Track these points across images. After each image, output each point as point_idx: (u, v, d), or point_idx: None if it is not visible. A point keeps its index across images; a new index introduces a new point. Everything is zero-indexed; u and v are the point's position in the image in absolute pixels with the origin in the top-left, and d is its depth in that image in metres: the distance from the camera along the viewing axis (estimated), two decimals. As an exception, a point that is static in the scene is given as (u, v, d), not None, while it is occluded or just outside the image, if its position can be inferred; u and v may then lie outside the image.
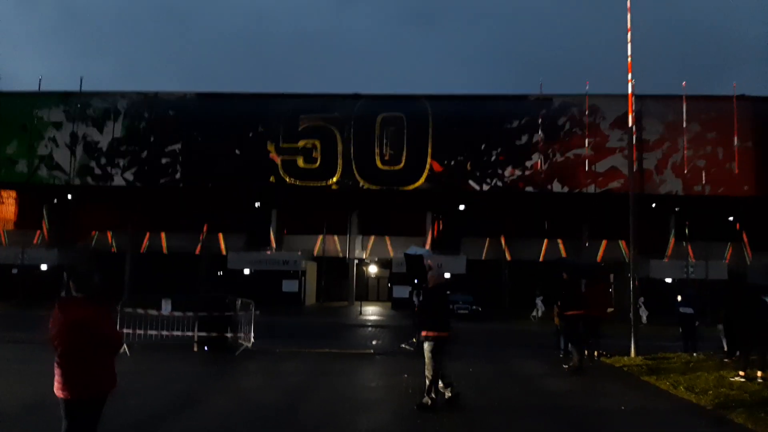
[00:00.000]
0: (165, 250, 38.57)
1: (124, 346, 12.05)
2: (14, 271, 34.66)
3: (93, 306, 4.54)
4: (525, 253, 38.04)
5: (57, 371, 4.48)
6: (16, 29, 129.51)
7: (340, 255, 39.12)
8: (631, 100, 15.31)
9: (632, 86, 15.22)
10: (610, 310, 15.31)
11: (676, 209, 35.79)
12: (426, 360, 8.22)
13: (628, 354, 13.55)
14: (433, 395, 8.09)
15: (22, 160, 36.14)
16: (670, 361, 13.08)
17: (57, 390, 4.49)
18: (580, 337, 12.33)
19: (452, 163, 34.97)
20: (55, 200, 38.51)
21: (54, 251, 36.26)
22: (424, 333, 8.32)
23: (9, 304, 31.12)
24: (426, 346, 8.25)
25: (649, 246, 32.10)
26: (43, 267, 35.35)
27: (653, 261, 34.73)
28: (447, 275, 34.57)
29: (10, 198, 41.23)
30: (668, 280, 33.86)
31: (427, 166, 34.99)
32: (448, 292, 8.86)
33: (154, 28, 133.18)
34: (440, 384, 8.29)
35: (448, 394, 8.28)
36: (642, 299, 27.81)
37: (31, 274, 34.50)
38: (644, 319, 27.26)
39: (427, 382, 8.15)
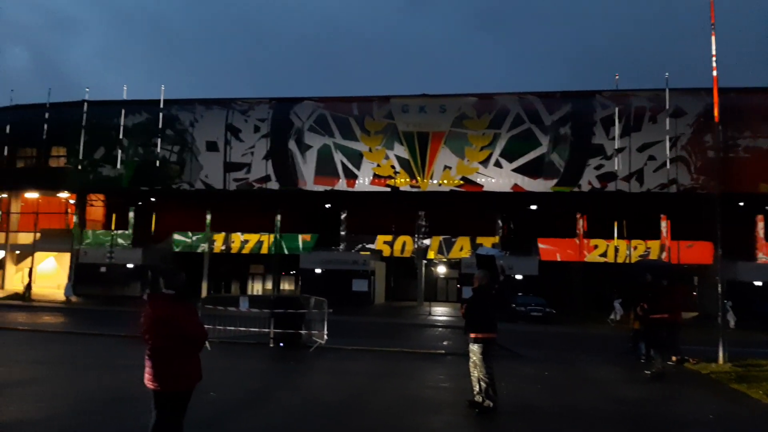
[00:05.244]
0: (239, 250, 39.82)
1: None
2: (102, 269, 36.77)
3: (180, 302, 4.75)
4: (600, 254, 36.69)
5: (147, 364, 4.71)
6: (109, 44, 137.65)
7: (409, 255, 39.08)
8: (716, 94, 14.50)
9: (716, 80, 14.41)
10: (689, 315, 14.54)
11: (767, 208, 33.52)
12: (476, 362, 8.08)
13: (716, 360, 12.83)
14: (492, 396, 7.91)
15: (109, 165, 38.36)
16: (762, 368, 12.27)
17: (147, 382, 4.72)
18: (662, 341, 11.78)
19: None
20: (140, 203, 40.57)
21: (138, 251, 38.19)
22: (473, 335, 8.17)
23: (97, 301, 33.05)
24: (475, 348, 8.11)
25: (736, 247, 30.22)
26: (130, 266, 37.30)
27: (741, 263, 32.68)
28: (519, 276, 33.91)
29: (98, 201, 43.74)
30: (758, 283, 31.78)
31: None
32: (493, 292, 8.58)
33: (231, 39, 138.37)
34: (478, 389, 8.04)
35: (489, 403, 7.95)
36: (730, 303, 26.26)
37: (117, 273, 36.47)
38: (732, 323, 25.74)
39: (483, 384, 7.97)
